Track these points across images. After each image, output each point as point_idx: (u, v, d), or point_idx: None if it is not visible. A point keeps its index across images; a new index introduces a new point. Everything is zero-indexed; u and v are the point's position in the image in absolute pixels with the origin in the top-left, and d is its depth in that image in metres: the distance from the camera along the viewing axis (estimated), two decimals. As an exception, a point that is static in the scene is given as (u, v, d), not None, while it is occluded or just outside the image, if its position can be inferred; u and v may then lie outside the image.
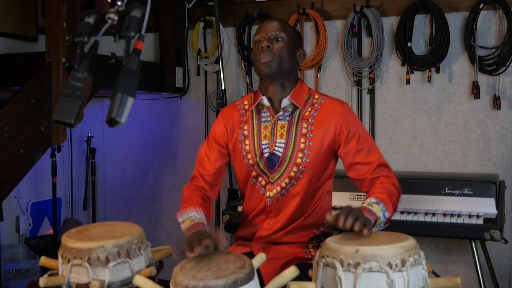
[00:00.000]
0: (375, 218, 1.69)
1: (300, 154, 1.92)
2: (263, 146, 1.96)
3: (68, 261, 1.55)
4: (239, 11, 3.80)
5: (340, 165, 2.03)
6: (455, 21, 3.31)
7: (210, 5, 3.83)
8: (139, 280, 1.47)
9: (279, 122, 1.96)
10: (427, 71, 3.33)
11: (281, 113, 1.96)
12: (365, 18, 3.45)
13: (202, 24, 3.90)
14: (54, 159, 3.77)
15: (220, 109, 3.66)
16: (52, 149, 3.71)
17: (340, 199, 2.80)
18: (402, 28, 3.33)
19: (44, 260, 1.68)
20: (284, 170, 1.94)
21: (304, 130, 1.93)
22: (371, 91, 3.51)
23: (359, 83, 3.53)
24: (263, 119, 1.99)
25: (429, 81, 3.33)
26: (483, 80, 3.26)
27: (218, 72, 3.77)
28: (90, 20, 1.27)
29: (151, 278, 1.56)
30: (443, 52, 3.26)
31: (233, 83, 3.88)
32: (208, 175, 2.08)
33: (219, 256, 1.48)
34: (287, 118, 1.96)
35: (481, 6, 3.17)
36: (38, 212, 4.05)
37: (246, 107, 2.06)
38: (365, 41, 3.51)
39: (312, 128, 1.93)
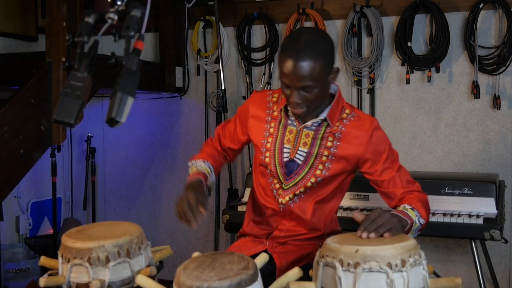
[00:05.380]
0: (411, 221, 1.71)
1: (320, 166, 1.90)
2: (285, 150, 1.94)
3: (68, 261, 1.55)
4: (239, 10, 3.80)
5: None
6: (455, 20, 3.31)
7: (210, 4, 3.83)
8: (141, 279, 1.47)
9: (304, 130, 1.93)
10: (427, 70, 3.33)
11: (309, 123, 1.92)
12: (365, 17, 3.45)
13: (202, 24, 3.90)
14: (54, 158, 3.77)
15: (220, 109, 3.67)
16: (52, 149, 3.71)
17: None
18: (402, 28, 3.33)
19: (44, 260, 1.68)
20: (301, 178, 1.93)
21: (330, 144, 1.90)
22: (371, 91, 3.51)
23: (359, 83, 3.53)
24: (289, 122, 1.95)
25: (429, 80, 3.33)
26: (483, 79, 3.26)
27: (218, 72, 3.77)
28: (90, 19, 1.27)
29: (151, 277, 1.55)
30: (443, 52, 3.26)
31: (233, 82, 3.88)
32: (226, 147, 2.16)
33: (222, 256, 1.48)
34: (314, 128, 1.92)
35: (481, 6, 3.17)
36: (38, 212, 4.05)
37: (274, 99, 2.00)
38: (365, 40, 3.51)
39: (338, 143, 1.89)
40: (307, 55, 1.73)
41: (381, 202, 2.05)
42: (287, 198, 1.95)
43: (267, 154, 1.96)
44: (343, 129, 1.90)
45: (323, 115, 1.90)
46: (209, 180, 2.01)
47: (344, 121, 1.91)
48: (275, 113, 1.98)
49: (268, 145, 1.96)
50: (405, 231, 1.69)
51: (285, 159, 1.93)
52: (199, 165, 2.04)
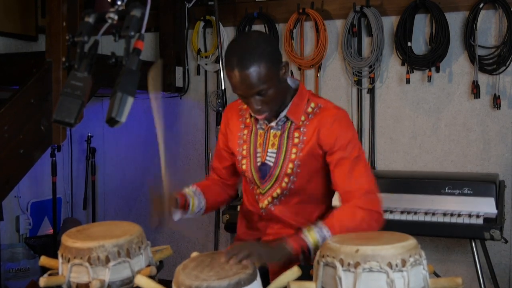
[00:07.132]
0: (299, 250, 1.65)
1: (290, 165, 1.86)
2: (257, 154, 1.92)
3: (68, 261, 1.55)
4: (239, 10, 3.80)
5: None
6: (455, 20, 3.31)
7: (210, 4, 3.83)
8: (140, 279, 1.47)
9: (272, 130, 1.90)
10: (427, 70, 3.33)
11: (273, 123, 1.90)
12: (365, 17, 3.45)
13: (202, 24, 3.90)
14: (54, 158, 3.78)
15: (220, 108, 3.67)
16: (52, 149, 3.71)
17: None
18: (402, 27, 3.33)
19: (44, 260, 1.67)
20: (275, 180, 1.89)
21: (296, 140, 1.86)
22: (371, 91, 3.51)
23: (359, 83, 3.53)
24: (259, 126, 1.94)
25: (429, 80, 3.33)
26: (483, 79, 3.26)
27: (218, 72, 3.77)
28: (90, 19, 1.27)
29: (151, 277, 1.56)
30: (443, 52, 3.26)
31: (233, 82, 3.87)
32: (219, 169, 2.13)
33: (221, 256, 1.48)
34: (280, 126, 1.90)
35: (481, 6, 3.17)
36: (38, 212, 4.05)
37: (245, 106, 2.00)
38: (365, 40, 3.51)
39: (304, 138, 1.85)
40: (249, 61, 1.70)
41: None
42: (265, 202, 1.93)
43: (244, 161, 1.95)
44: (307, 123, 1.86)
45: (283, 114, 1.87)
46: (190, 201, 1.97)
47: (310, 115, 1.87)
48: (248, 120, 1.98)
49: (244, 152, 1.95)
50: (293, 256, 1.65)
51: (258, 163, 1.92)
52: (184, 190, 2.02)
